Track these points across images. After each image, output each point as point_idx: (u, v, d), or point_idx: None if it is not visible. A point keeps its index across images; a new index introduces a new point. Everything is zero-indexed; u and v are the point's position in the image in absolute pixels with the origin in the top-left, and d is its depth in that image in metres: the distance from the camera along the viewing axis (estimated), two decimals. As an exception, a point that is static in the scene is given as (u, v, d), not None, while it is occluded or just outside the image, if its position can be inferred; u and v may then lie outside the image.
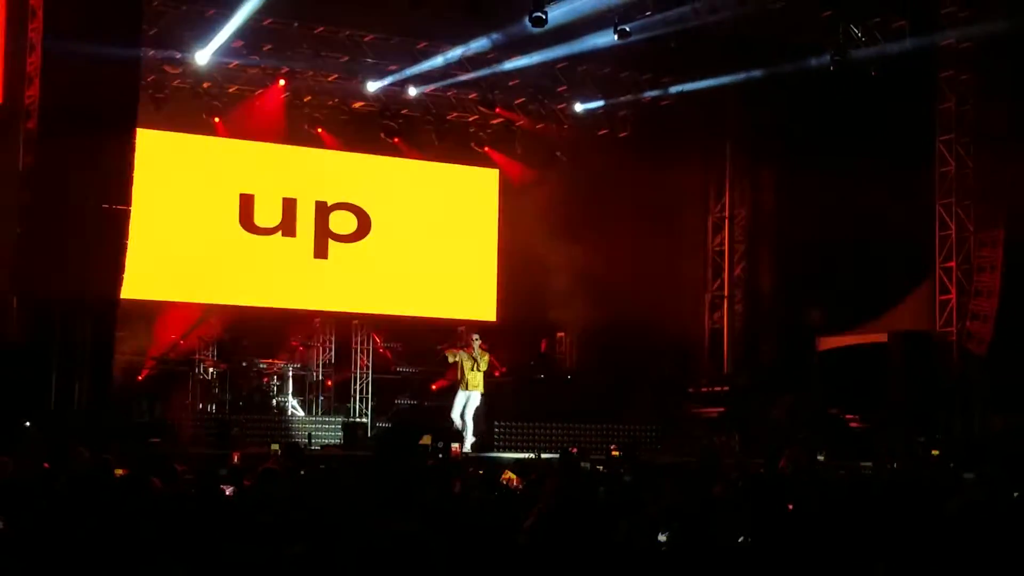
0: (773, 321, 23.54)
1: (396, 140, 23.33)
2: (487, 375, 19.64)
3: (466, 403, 19.30)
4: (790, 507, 7.87)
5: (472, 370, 19.28)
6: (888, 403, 20.80)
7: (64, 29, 16.56)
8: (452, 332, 23.13)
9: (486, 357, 19.51)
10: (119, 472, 9.32)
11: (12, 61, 17.11)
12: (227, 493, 8.07)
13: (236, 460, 13.98)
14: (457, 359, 19.40)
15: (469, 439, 19.08)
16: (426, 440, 16.64)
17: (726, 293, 24.54)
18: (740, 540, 5.32)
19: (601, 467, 14.70)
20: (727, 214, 24.64)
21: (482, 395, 19.46)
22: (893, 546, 4.94)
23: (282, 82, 22.08)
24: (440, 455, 17.32)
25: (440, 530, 6.30)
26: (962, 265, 21.05)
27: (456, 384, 19.63)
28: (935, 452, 18.28)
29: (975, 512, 5.53)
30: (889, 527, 5.14)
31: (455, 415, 19.20)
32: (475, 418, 19.46)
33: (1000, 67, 20.38)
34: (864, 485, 10.79)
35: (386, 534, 3.39)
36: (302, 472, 11.16)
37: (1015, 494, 8.06)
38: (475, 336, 19.83)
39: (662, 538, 5.06)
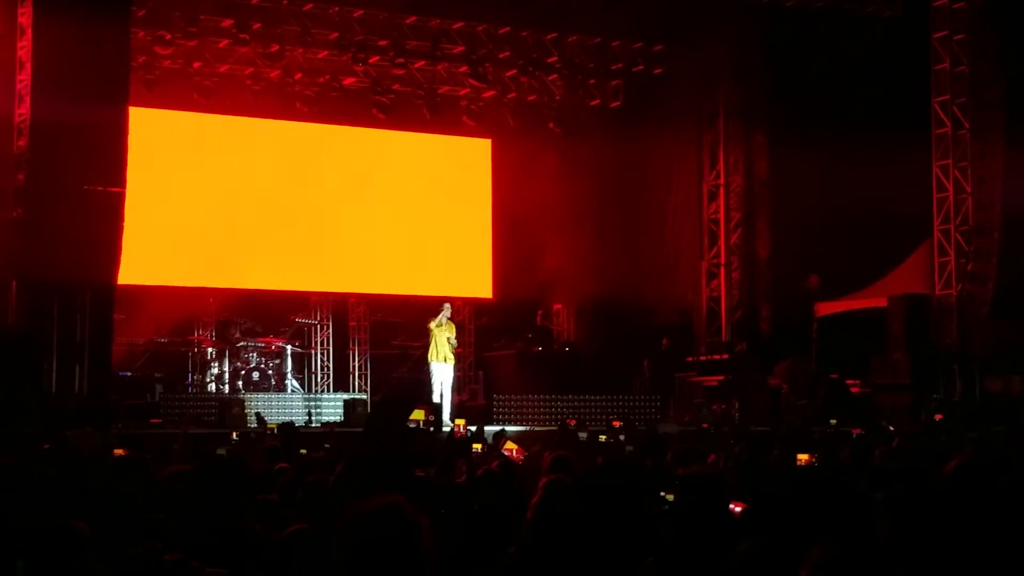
0: (771, 288, 23.51)
1: (388, 116, 23.24)
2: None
3: (442, 379, 19.33)
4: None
5: (445, 341, 19.29)
6: (889, 368, 20.81)
7: (54, 16, 16.49)
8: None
9: (453, 329, 19.59)
10: (119, 452, 9.32)
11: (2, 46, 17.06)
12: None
13: (234, 438, 14.01)
14: (435, 327, 19.37)
15: (446, 413, 19.05)
16: (419, 415, 16.61)
17: (723, 261, 24.51)
18: (739, 508, 5.30)
19: (603, 437, 14.73)
20: (722, 182, 24.59)
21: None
22: (897, 509, 4.92)
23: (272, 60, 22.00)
24: (432, 428, 17.35)
25: (440, 508, 6.30)
26: (960, 227, 21.03)
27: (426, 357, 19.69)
28: (938, 416, 18.31)
29: (973, 473, 5.49)
30: (894, 491, 5.11)
31: (436, 393, 19.18)
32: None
33: (993, 26, 20.33)
34: (866, 449, 10.80)
35: (372, 508, 3.36)
36: (302, 451, 11.17)
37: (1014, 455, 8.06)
38: (446, 305, 19.78)
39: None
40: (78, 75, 16.49)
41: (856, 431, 14.92)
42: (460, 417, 16.77)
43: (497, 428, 16.80)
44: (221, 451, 10.62)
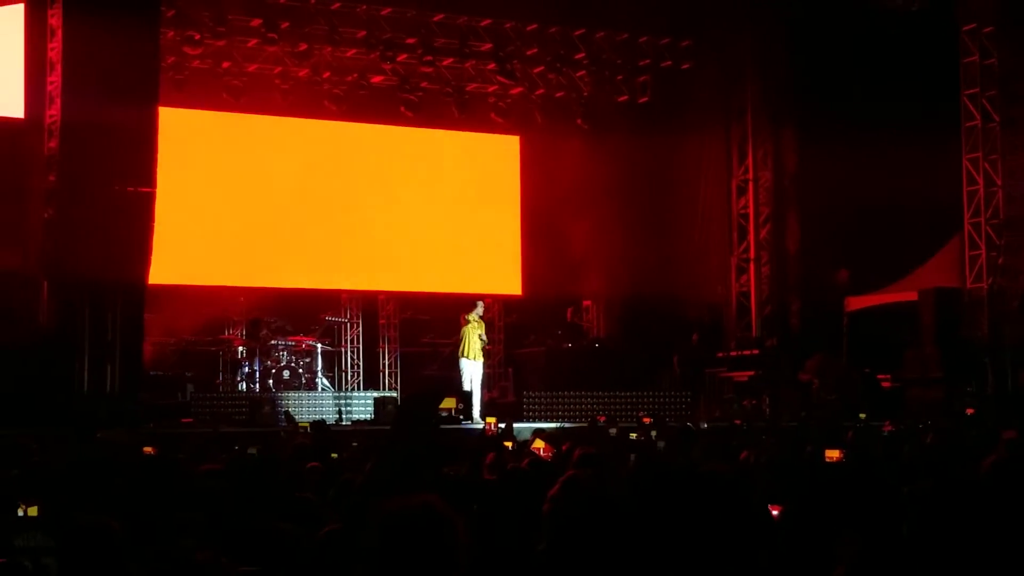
0: (800, 283, 23.42)
1: (416, 113, 23.26)
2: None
3: (472, 375, 19.36)
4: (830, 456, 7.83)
5: (477, 338, 19.33)
6: (920, 362, 20.70)
7: (85, 17, 16.59)
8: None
9: (483, 325, 19.64)
10: (148, 451, 9.38)
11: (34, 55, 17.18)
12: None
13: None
14: (468, 324, 19.42)
15: (476, 410, 19.10)
16: (449, 403, 16.63)
17: (752, 256, 24.42)
18: (776, 511, 5.29)
19: (634, 434, 14.68)
20: (751, 176, 24.50)
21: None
22: (929, 505, 4.89)
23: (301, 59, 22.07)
24: (462, 417, 17.33)
25: (468, 503, 6.30)
26: (991, 220, 20.91)
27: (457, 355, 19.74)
28: (970, 411, 18.19)
29: (1010, 470, 5.47)
30: (926, 486, 5.08)
31: (467, 388, 19.23)
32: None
33: (1022, 19, 20.18)
34: (899, 443, 10.76)
35: (406, 507, 3.36)
36: (333, 455, 11.18)
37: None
38: (479, 302, 19.80)
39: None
40: (108, 76, 16.59)
41: (887, 426, 14.83)
42: (490, 415, 16.79)
43: (527, 425, 16.79)
44: (252, 450, 10.63)
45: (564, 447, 9.47)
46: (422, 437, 4.62)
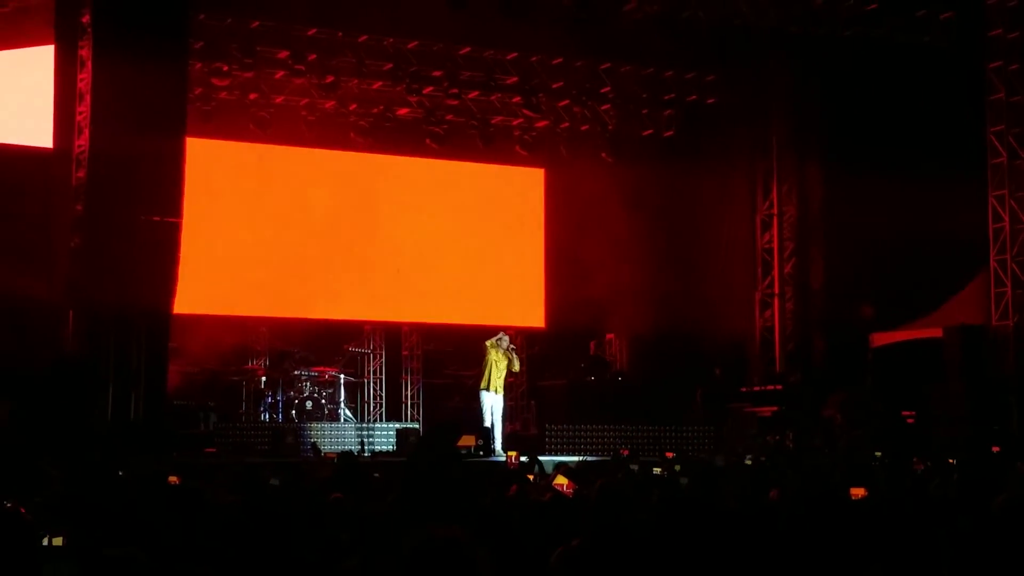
0: (825, 318, 23.35)
1: (441, 146, 23.34)
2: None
3: (492, 407, 19.31)
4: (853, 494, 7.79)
5: (498, 370, 19.27)
6: (945, 399, 20.58)
7: (114, 49, 16.73)
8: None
9: (516, 358, 19.55)
10: (173, 480, 9.39)
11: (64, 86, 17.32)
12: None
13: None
14: (489, 358, 19.36)
15: (498, 443, 19.05)
16: (468, 441, 16.60)
17: (776, 291, 24.38)
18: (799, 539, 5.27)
19: (657, 469, 14.61)
20: (775, 211, 24.48)
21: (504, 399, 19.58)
22: (954, 543, 4.87)
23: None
24: (482, 453, 17.28)
25: (490, 536, 6.29)
26: (1017, 257, 20.81)
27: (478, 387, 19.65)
28: (995, 448, 18.06)
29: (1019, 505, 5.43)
30: (951, 525, 5.06)
31: (487, 421, 19.16)
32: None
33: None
34: (924, 482, 10.69)
35: (431, 541, 3.36)
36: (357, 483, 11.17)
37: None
38: (502, 335, 19.75)
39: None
40: (136, 107, 16.69)
41: (917, 463, 14.73)
42: (512, 448, 16.74)
43: (549, 459, 16.74)
44: (274, 481, 10.64)
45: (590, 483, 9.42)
46: (442, 468, 4.63)
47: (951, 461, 15.00)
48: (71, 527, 6.10)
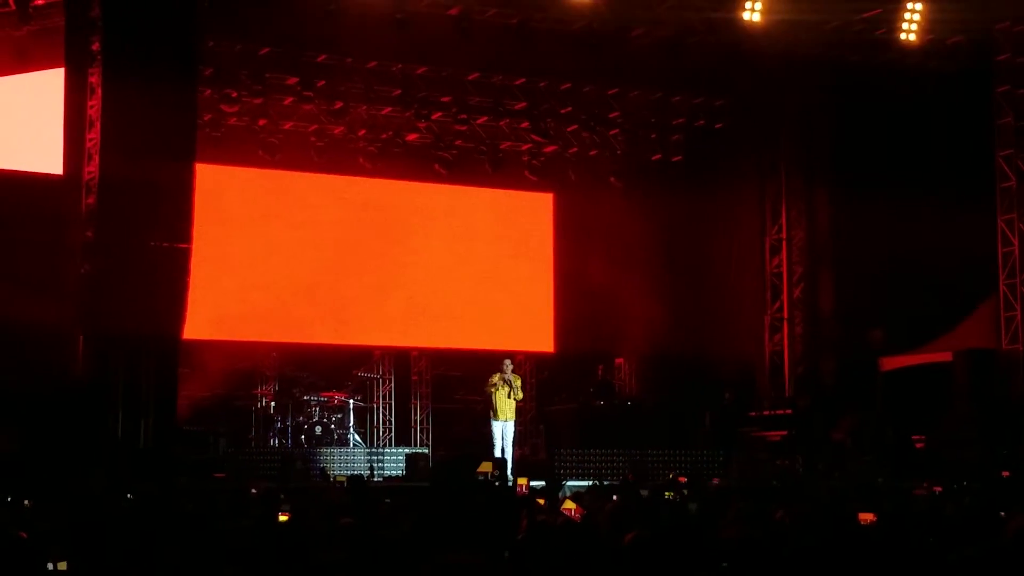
0: (834, 342, 23.31)
1: (450, 171, 23.40)
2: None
3: (503, 434, 19.32)
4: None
5: (507, 398, 19.30)
6: (955, 423, 20.52)
7: (124, 76, 16.81)
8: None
9: (519, 380, 19.59)
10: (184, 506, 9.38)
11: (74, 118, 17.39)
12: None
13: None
14: (492, 388, 19.41)
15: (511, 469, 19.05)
16: (486, 467, 16.60)
17: (785, 315, 24.35)
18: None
19: (669, 494, 14.57)
20: (784, 236, 24.48)
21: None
22: (965, 569, 4.86)
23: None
24: (498, 483, 17.26)
25: (506, 561, 6.29)
26: (1026, 281, 20.79)
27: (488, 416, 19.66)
28: (1006, 473, 17.99)
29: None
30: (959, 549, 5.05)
31: (498, 449, 19.18)
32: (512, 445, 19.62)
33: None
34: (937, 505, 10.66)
35: (451, 567, 3.38)
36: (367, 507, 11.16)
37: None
38: (506, 361, 19.79)
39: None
40: (146, 133, 16.76)
41: (934, 488, 14.67)
42: (522, 474, 16.72)
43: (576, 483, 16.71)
44: (284, 506, 10.63)
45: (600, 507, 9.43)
46: (460, 496, 4.65)
47: (964, 483, 14.96)
48: (75, 552, 6.11)
